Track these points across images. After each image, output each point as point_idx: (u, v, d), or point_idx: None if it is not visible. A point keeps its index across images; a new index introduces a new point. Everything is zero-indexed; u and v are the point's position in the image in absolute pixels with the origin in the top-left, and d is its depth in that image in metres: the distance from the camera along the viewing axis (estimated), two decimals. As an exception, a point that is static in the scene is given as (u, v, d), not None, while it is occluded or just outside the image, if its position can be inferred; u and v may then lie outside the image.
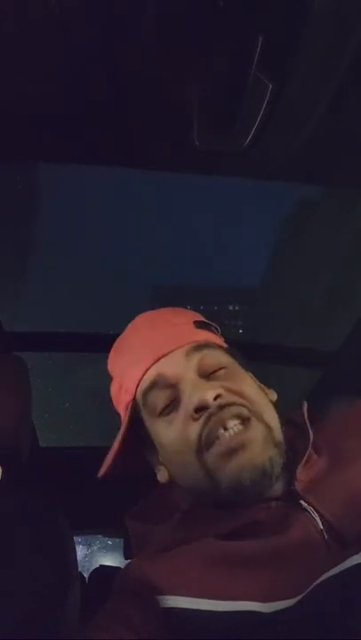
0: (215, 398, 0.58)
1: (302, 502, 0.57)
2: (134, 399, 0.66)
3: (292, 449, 0.64)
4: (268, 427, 0.59)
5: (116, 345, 0.73)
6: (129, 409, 0.66)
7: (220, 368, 0.63)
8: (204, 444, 0.58)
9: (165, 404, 0.62)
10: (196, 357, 0.63)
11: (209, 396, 0.58)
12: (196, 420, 0.58)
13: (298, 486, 0.59)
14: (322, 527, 0.54)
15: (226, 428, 0.57)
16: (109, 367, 0.73)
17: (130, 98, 0.74)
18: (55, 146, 0.90)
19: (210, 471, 0.57)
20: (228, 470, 0.56)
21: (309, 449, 0.62)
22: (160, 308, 0.76)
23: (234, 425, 0.57)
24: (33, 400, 0.92)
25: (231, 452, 0.56)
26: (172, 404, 0.62)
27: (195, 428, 0.58)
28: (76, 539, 0.92)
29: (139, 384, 0.65)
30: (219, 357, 0.65)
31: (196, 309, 0.90)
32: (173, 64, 0.66)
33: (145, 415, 0.65)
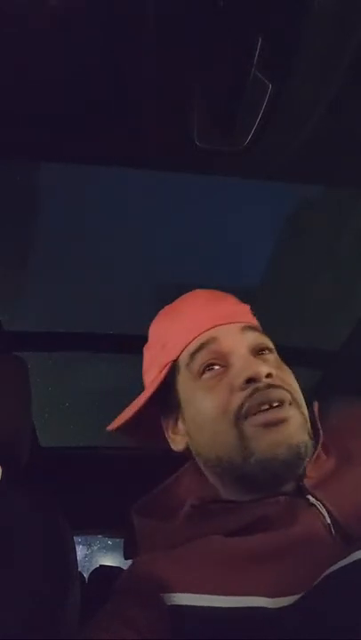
0: (267, 376, 0.59)
1: (310, 497, 0.57)
2: (176, 360, 0.66)
3: None
4: (303, 416, 0.60)
5: (164, 312, 0.73)
6: (167, 367, 0.66)
7: (270, 350, 0.65)
8: (245, 413, 0.57)
9: (211, 367, 0.62)
10: (250, 336, 0.64)
11: (263, 371, 0.59)
12: (242, 390, 0.59)
13: (307, 482, 0.58)
14: (329, 522, 0.54)
15: (270, 406, 0.57)
16: (151, 330, 0.73)
17: (130, 98, 0.74)
18: (55, 146, 0.90)
19: (245, 439, 0.57)
20: (266, 442, 0.56)
21: (319, 448, 0.62)
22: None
23: (276, 405, 0.58)
24: (33, 400, 0.92)
25: (271, 424, 0.56)
26: (218, 371, 0.62)
27: (239, 397, 0.58)
28: (76, 539, 0.92)
29: (188, 345, 0.65)
30: (268, 342, 0.66)
31: (196, 309, 0.89)
32: (173, 64, 0.66)
33: (184, 377, 0.65)
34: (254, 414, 0.57)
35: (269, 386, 0.58)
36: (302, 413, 0.60)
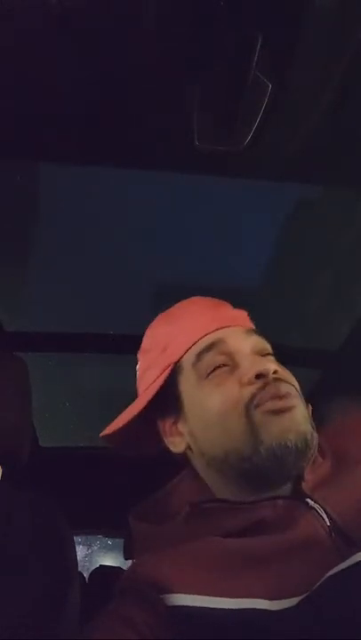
0: (274, 372, 0.61)
1: (309, 500, 0.57)
2: (178, 361, 0.67)
3: None
4: (307, 410, 0.62)
5: (162, 317, 0.74)
6: (169, 369, 0.67)
7: (270, 354, 0.67)
8: (256, 403, 0.59)
9: (218, 367, 0.64)
10: (253, 339, 0.67)
11: (271, 367, 0.61)
12: (251, 384, 0.61)
13: (304, 486, 0.59)
14: (329, 524, 0.54)
15: (279, 397, 0.59)
16: (149, 334, 0.74)
17: (130, 98, 0.74)
18: (55, 146, 0.90)
19: (255, 427, 0.58)
20: (276, 428, 0.57)
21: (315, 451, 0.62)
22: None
23: (284, 396, 0.60)
24: (33, 400, 0.92)
25: (279, 411, 0.58)
26: (225, 369, 0.64)
27: (250, 390, 0.60)
28: (76, 539, 0.92)
29: (192, 346, 0.66)
30: (269, 347, 0.69)
31: (195, 309, 0.89)
32: (173, 64, 0.66)
33: (187, 377, 0.66)
34: (264, 404, 0.59)
35: (277, 379, 0.61)
36: (306, 407, 0.62)
